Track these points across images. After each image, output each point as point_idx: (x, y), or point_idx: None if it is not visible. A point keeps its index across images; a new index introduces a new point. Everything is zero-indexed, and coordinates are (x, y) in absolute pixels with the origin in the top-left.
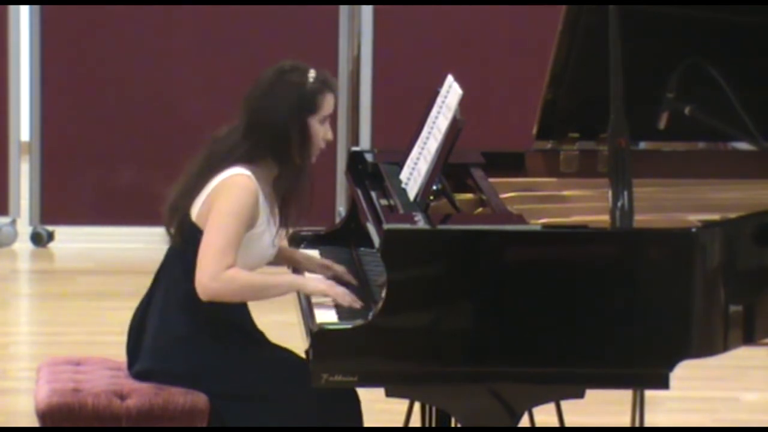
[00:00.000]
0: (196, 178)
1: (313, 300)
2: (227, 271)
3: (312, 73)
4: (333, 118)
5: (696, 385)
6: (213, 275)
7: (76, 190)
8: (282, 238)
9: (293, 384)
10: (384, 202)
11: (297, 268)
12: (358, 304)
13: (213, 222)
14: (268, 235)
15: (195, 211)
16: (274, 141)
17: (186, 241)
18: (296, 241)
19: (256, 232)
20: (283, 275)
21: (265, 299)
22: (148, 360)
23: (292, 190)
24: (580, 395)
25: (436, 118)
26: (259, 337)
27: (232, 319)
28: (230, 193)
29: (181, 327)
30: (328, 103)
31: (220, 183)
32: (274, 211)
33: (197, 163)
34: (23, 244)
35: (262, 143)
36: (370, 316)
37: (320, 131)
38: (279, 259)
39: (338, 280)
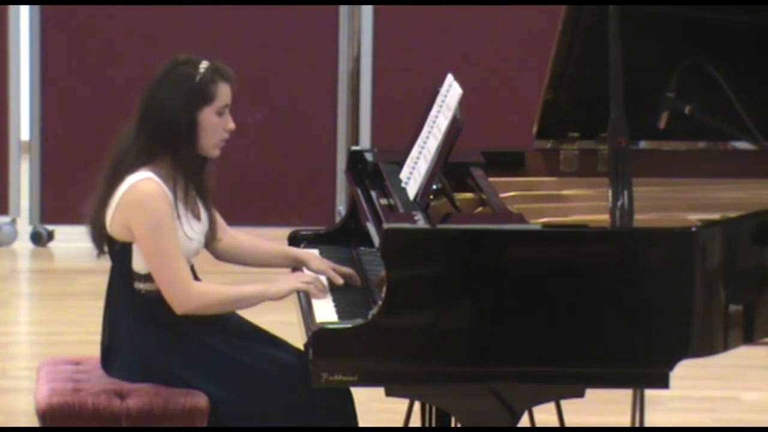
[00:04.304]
0: (105, 188)
1: (312, 298)
2: (197, 286)
3: (204, 64)
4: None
5: (696, 385)
6: (185, 292)
7: (76, 190)
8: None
9: (286, 383)
10: (384, 201)
11: (298, 269)
12: (325, 292)
13: (146, 245)
14: (181, 231)
15: (108, 224)
16: (165, 134)
17: (111, 255)
18: (296, 240)
19: None
20: (253, 285)
21: (239, 310)
22: (126, 374)
23: (203, 183)
24: (580, 394)
25: (436, 117)
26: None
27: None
28: (144, 208)
29: (150, 337)
30: (222, 92)
31: (128, 194)
32: (186, 205)
33: (104, 170)
34: (23, 244)
35: (154, 138)
36: (370, 315)
37: (219, 122)
38: (280, 260)
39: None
